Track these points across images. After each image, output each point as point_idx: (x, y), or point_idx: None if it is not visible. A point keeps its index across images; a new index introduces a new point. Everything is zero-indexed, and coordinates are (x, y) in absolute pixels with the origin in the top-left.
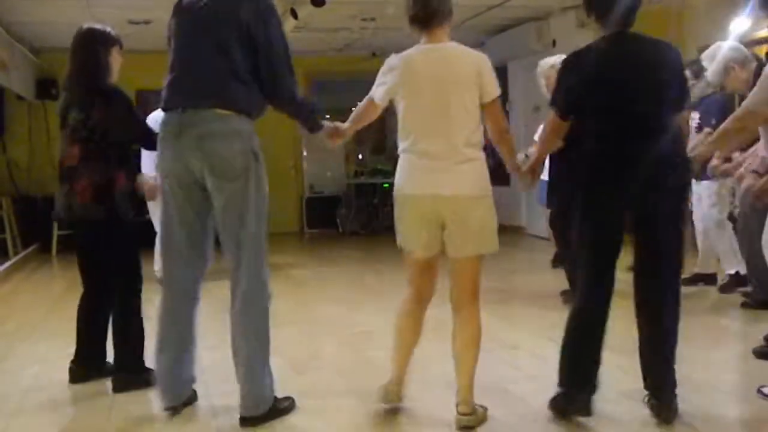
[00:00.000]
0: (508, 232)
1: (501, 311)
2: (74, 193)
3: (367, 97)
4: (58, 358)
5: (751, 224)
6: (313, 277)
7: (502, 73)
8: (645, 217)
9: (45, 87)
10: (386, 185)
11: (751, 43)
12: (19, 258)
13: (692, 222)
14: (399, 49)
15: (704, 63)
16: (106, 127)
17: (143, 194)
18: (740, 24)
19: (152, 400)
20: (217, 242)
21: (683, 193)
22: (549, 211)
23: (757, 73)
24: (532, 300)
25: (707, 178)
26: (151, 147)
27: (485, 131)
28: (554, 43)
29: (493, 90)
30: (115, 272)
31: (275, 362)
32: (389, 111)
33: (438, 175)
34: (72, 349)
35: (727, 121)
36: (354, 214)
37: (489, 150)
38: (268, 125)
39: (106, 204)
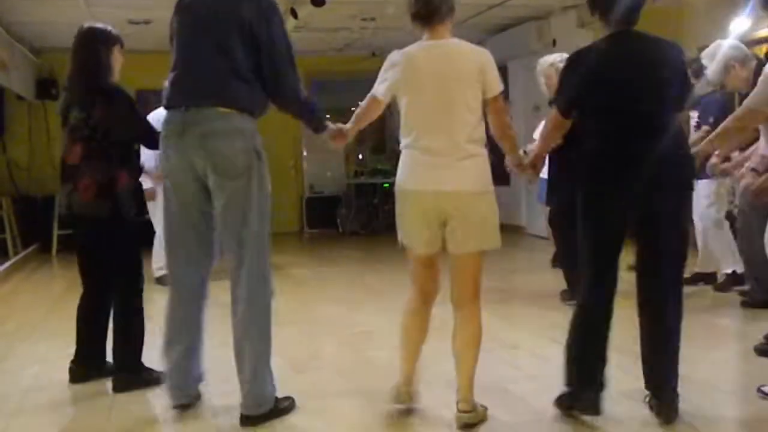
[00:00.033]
0: (508, 231)
1: (501, 311)
2: (77, 192)
3: (369, 94)
4: (58, 358)
5: (750, 223)
6: (313, 276)
7: (502, 72)
8: (647, 216)
9: (45, 87)
10: (386, 185)
11: (751, 42)
12: (19, 258)
13: (692, 221)
14: (399, 48)
15: (704, 61)
16: (108, 125)
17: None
18: (740, 24)
19: (152, 399)
20: None
21: (686, 192)
22: (548, 209)
23: (757, 72)
24: (532, 300)
25: (706, 177)
26: (153, 146)
27: (487, 127)
28: (554, 42)
29: (496, 85)
30: (116, 271)
31: (275, 362)
32: (389, 110)
33: (440, 171)
34: (72, 349)
35: (728, 119)
36: (354, 214)
37: (489, 147)
38: (268, 125)
39: (108, 202)
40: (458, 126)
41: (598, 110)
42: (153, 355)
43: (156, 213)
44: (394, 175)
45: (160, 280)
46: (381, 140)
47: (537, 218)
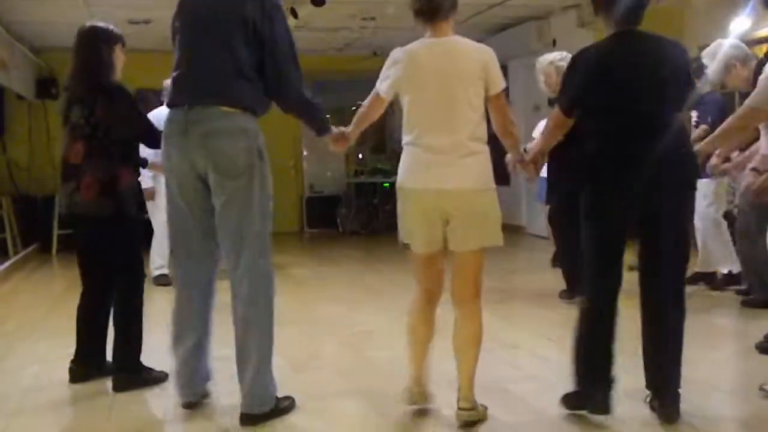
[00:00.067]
0: (508, 231)
1: (501, 311)
2: (79, 191)
3: (372, 92)
4: (58, 357)
5: (750, 223)
6: (313, 276)
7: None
8: (649, 215)
9: (45, 86)
10: (386, 185)
11: (751, 42)
12: (19, 257)
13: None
14: (395, 48)
15: (705, 61)
16: (109, 124)
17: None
18: (740, 23)
19: (152, 399)
20: None
21: (688, 191)
22: (548, 208)
23: (758, 72)
24: (532, 299)
25: (705, 176)
26: (154, 144)
27: (489, 124)
28: (554, 42)
29: (499, 83)
30: (118, 270)
31: (275, 362)
32: (391, 109)
33: (442, 169)
34: (71, 349)
35: (729, 118)
36: (354, 214)
37: (490, 146)
38: (268, 124)
39: (111, 201)
40: (460, 123)
41: (601, 110)
42: (152, 354)
43: (155, 213)
44: (395, 174)
45: (158, 280)
46: (381, 140)
47: (537, 218)
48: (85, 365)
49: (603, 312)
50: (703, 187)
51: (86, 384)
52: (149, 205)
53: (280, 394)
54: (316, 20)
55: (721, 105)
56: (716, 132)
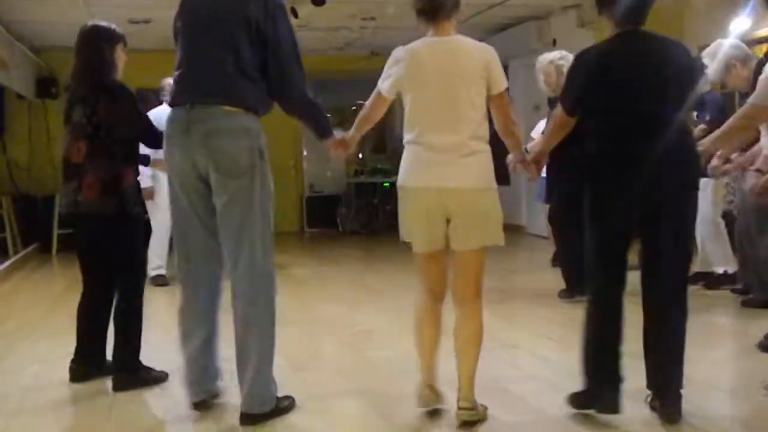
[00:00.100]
0: (509, 231)
1: (501, 310)
2: (81, 190)
3: (374, 91)
4: (58, 357)
5: (750, 223)
6: (313, 276)
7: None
8: (650, 215)
9: (45, 86)
10: (386, 184)
11: (751, 42)
12: (19, 257)
13: None
14: (397, 47)
15: (705, 60)
16: (111, 123)
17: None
18: (740, 23)
19: (152, 399)
20: None
21: (691, 191)
22: (548, 208)
23: (758, 72)
24: (532, 299)
25: (704, 176)
26: (154, 145)
27: (491, 124)
28: (555, 42)
29: (501, 82)
30: (119, 269)
31: (275, 361)
32: (390, 110)
33: (443, 168)
34: (71, 349)
35: (731, 118)
36: (354, 214)
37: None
38: (268, 124)
39: (114, 200)
40: (462, 123)
41: (603, 109)
42: (152, 354)
43: (154, 212)
44: (395, 174)
45: (155, 281)
46: (381, 139)
47: (537, 218)
48: (86, 364)
49: (608, 312)
50: (702, 186)
51: (86, 384)
52: (148, 204)
53: (280, 394)
54: (316, 20)
55: (721, 104)
56: (719, 132)
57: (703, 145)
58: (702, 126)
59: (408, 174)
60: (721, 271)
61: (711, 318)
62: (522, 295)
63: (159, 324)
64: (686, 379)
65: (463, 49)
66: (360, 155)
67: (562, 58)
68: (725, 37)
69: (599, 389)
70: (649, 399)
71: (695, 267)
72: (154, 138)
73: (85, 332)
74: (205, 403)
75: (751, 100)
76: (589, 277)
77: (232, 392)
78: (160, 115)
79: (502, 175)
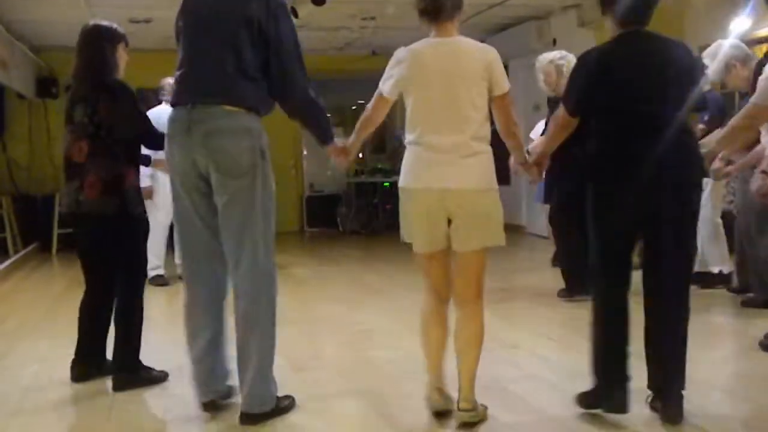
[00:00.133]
0: (509, 231)
1: (501, 310)
2: (83, 190)
3: (376, 92)
4: (58, 357)
5: (750, 223)
6: (314, 276)
7: None
8: (652, 215)
9: (45, 85)
10: (387, 184)
11: (751, 42)
12: (19, 257)
13: None
14: (399, 47)
15: (706, 61)
16: (112, 123)
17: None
18: (740, 23)
19: (152, 399)
20: None
21: (693, 191)
22: (549, 208)
23: (758, 72)
24: (533, 299)
25: (706, 176)
26: (153, 146)
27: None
28: (555, 42)
29: (503, 84)
30: (120, 269)
31: (276, 361)
32: (390, 110)
33: (444, 168)
34: (72, 348)
35: (734, 118)
36: (354, 213)
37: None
38: (268, 123)
39: (116, 200)
40: (463, 123)
41: (605, 110)
42: (152, 354)
43: (152, 212)
44: (395, 174)
45: (154, 281)
46: (381, 139)
47: (537, 217)
48: (86, 364)
49: (613, 312)
50: (703, 186)
51: (86, 384)
52: (147, 204)
53: (280, 394)
54: (316, 20)
55: (721, 104)
56: (722, 133)
57: (706, 146)
58: (701, 126)
59: (409, 175)
60: (716, 270)
61: (711, 318)
62: (522, 295)
63: (159, 324)
64: (687, 379)
65: (464, 50)
66: (360, 155)
67: (562, 57)
68: (725, 37)
69: (607, 389)
70: (649, 400)
71: (695, 267)
72: (153, 138)
73: (87, 332)
74: (213, 403)
75: (753, 99)
76: (594, 278)
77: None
78: (159, 114)
79: (503, 175)
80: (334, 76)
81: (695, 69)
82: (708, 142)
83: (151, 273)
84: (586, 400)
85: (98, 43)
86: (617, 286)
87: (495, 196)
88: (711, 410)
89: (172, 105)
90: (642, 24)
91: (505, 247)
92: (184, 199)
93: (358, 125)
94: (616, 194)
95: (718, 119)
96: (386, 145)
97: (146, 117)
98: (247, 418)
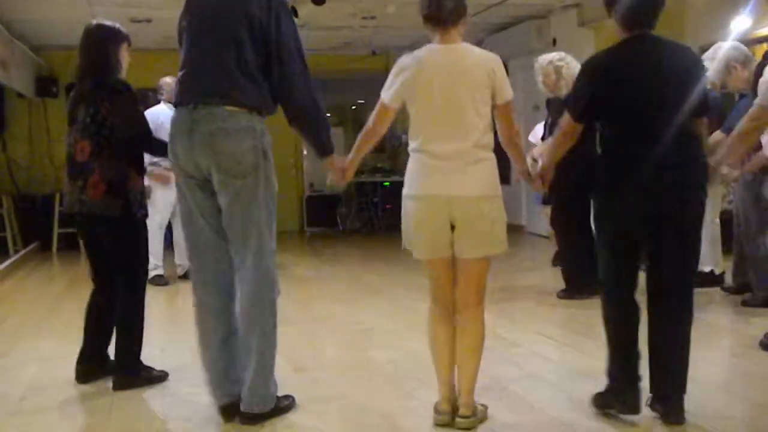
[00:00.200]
0: (509, 230)
1: (501, 309)
2: (86, 189)
3: (378, 104)
4: (58, 356)
5: (750, 222)
6: (314, 275)
7: None
8: (658, 218)
9: (45, 85)
10: (387, 183)
11: (751, 41)
12: (19, 256)
13: None
14: (398, 47)
15: (706, 63)
16: (113, 123)
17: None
18: (741, 23)
19: (152, 399)
20: None
21: (697, 194)
22: (549, 210)
23: (758, 73)
24: (532, 298)
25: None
26: (148, 149)
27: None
28: (554, 41)
29: (506, 92)
30: (121, 270)
31: (276, 361)
32: None
33: (448, 175)
34: (72, 347)
35: (741, 122)
36: (354, 213)
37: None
38: (268, 123)
39: (119, 200)
40: (467, 131)
41: (610, 114)
42: (152, 354)
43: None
44: (395, 173)
45: (154, 281)
46: (381, 139)
47: (537, 217)
48: (91, 365)
49: (622, 313)
50: None
51: (87, 384)
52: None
53: (280, 394)
54: (316, 19)
55: (720, 105)
56: (730, 139)
57: (717, 154)
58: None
59: (413, 182)
60: (707, 270)
61: (711, 317)
62: (522, 294)
63: (159, 324)
64: (687, 380)
65: (468, 57)
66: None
67: (561, 59)
68: (726, 37)
69: (620, 389)
70: (648, 402)
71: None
72: (149, 143)
73: (93, 333)
74: (231, 406)
75: (757, 101)
76: (603, 280)
77: None
78: (156, 114)
79: (502, 175)
80: (334, 76)
81: (701, 74)
82: (719, 152)
83: (150, 273)
84: (600, 400)
85: (101, 42)
86: (624, 287)
87: (499, 202)
88: (711, 410)
89: (175, 106)
90: (648, 28)
91: None
92: (189, 200)
93: (359, 139)
94: (623, 197)
95: (717, 120)
96: (386, 145)
97: (145, 120)
98: (247, 418)
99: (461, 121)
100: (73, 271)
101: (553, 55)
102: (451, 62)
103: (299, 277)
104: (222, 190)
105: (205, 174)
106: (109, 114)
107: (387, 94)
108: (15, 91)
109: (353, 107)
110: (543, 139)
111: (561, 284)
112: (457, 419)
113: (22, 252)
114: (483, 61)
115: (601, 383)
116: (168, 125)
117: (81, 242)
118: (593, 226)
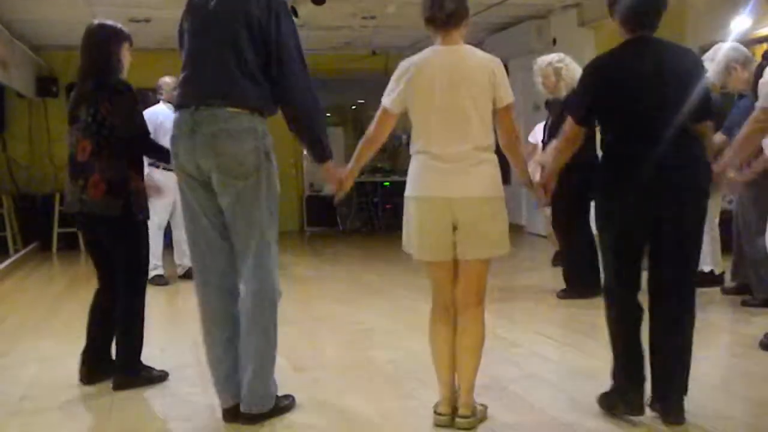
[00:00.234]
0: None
1: (501, 309)
2: (87, 189)
3: (379, 109)
4: (58, 356)
5: (750, 222)
6: (314, 275)
7: None
8: (660, 220)
9: (45, 85)
10: (387, 183)
11: (751, 41)
12: (19, 256)
13: None
14: (398, 47)
15: (705, 64)
16: (113, 122)
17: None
18: (741, 23)
19: (152, 398)
20: None
21: (699, 196)
22: (550, 212)
23: (758, 75)
24: (532, 298)
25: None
26: (146, 149)
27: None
28: (554, 41)
29: (507, 96)
30: (122, 270)
31: (276, 361)
32: None
33: (450, 177)
34: (72, 347)
35: (745, 126)
36: (354, 213)
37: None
38: (268, 123)
39: (120, 200)
40: (469, 133)
41: (611, 115)
42: (152, 354)
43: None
44: (395, 173)
45: (154, 281)
46: None
47: (537, 217)
48: (95, 366)
49: (626, 314)
50: None
51: (90, 384)
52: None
53: (280, 393)
54: (316, 19)
55: (719, 106)
56: (735, 144)
57: (723, 158)
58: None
59: (416, 184)
60: (707, 270)
61: (711, 317)
62: (522, 294)
63: (159, 324)
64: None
65: (469, 59)
66: None
67: (560, 60)
68: (726, 37)
69: (624, 390)
70: (648, 401)
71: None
72: (146, 143)
73: (96, 334)
74: (235, 409)
75: (759, 104)
76: (605, 281)
77: None
78: (154, 113)
79: (502, 174)
80: (334, 76)
81: (702, 76)
82: (724, 158)
83: (150, 273)
84: (605, 401)
85: (103, 43)
86: (627, 288)
87: (500, 204)
88: (711, 410)
89: (177, 107)
90: (649, 29)
91: None
92: (191, 200)
93: (359, 147)
94: (620, 197)
95: (718, 121)
96: (386, 145)
97: (144, 122)
98: (247, 418)
99: (462, 122)
100: (73, 271)
101: (553, 57)
102: (453, 64)
103: (299, 277)
104: (223, 191)
105: (206, 175)
106: (109, 114)
107: (388, 99)
108: (15, 90)
109: (353, 107)
110: (543, 141)
111: (561, 284)
112: (457, 419)
113: (22, 252)
114: (484, 63)
115: (601, 383)
116: (167, 125)
117: (82, 242)
118: (594, 227)
